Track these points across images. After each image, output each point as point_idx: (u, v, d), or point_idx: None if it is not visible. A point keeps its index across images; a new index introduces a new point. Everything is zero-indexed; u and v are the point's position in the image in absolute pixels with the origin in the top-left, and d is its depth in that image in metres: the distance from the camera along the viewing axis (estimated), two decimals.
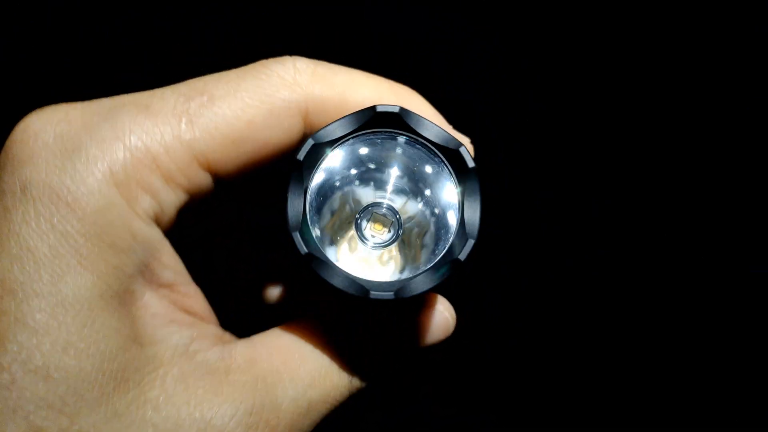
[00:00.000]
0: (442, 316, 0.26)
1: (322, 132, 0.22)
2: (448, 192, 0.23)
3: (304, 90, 0.24)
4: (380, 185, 0.24)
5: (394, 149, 0.23)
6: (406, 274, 0.23)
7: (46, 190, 0.21)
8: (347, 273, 0.22)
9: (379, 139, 0.23)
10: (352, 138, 0.23)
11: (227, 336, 0.25)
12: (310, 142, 0.22)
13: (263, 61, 0.24)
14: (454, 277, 0.22)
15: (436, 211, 0.24)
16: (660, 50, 0.61)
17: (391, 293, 0.21)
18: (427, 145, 0.23)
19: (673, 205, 0.61)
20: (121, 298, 0.22)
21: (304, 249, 0.21)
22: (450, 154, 0.23)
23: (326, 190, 0.23)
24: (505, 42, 0.62)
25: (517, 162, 0.61)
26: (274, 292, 0.32)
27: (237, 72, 0.24)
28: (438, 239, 0.23)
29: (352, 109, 0.23)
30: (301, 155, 0.22)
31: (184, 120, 0.22)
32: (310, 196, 0.22)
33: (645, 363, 0.60)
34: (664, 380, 0.59)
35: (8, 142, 0.22)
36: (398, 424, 0.58)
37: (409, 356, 0.26)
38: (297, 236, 0.21)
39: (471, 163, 0.22)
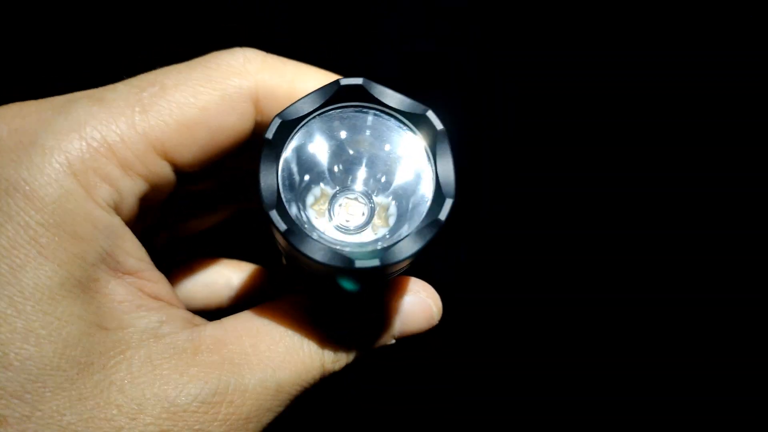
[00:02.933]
0: (424, 304, 0.26)
1: (289, 110, 0.22)
2: (419, 160, 0.23)
3: (254, 77, 0.24)
4: (350, 161, 0.24)
5: (363, 123, 0.23)
6: (383, 243, 0.23)
7: (2, 182, 0.21)
8: (329, 245, 0.21)
9: (345, 114, 0.23)
10: (320, 114, 0.23)
11: (197, 319, 0.25)
12: (277, 121, 0.22)
13: (213, 53, 0.25)
14: (436, 239, 0.22)
15: (409, 180, 0.24)
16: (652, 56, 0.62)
17: (377, 261, 0.21)
18: (393, 115, 0.23)
19: (666, 210, 0.61)
20: (84, 285, 0.21)
21: (283, 226, 0.21)
22: (417, 120, 0.23)
23: (297, 167, 0.23)
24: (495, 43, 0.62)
25: (514, 160, 0.62)
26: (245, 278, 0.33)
27: (187, 63, 0.24)
28: (413, 208, 0.23)
29: (300, 96, 0.23)
30: (269, 134, 0.22)
31: (137, 109, 0.23)
32: (282, 173, 0.22)
33: (642, 362, 0.60)
34: (661, 378, 0.59)
35: None
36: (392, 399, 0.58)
37: (385, 343, 0.26)
38: (274, 214, 0.21)
39: (439, 125, 0.23)
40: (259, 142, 0.22)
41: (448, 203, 0.22)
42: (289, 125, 0.22)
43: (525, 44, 0.62)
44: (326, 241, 0.22)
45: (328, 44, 0.60)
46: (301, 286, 0.26)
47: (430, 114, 0.23)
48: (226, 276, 0.32)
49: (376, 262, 0.21)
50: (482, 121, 0.61)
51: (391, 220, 0.24)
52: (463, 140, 0.54)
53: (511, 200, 0.62)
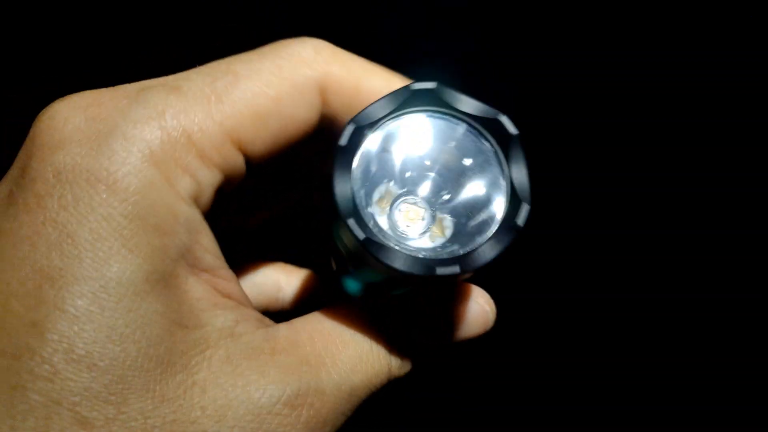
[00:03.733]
0: (482, 309, 0.26)
1: (361, 115, 0.22)
2: (491, 167, 0.23)
3: (323, 68, 0.24)
4: (421, 168, 0.24)
5: (448, 133, 0.23)
6: (447, 249, 0.23)
7: (83, 172, 0.20)
8: (407, 252, 0.21)
9: (416, 117, 0.23)
10: (391, 119, 0.23)
11: (267, 320, 0.25)
12: (351, 126, 0.21)
13: (283, 41, 0.24)
14: (514, 244, 0.22)
15: (477, 194, 0.23)
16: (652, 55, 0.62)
17: (457, 267, 0.21)
18: (466, 120, 0.23)
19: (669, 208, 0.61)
20: (166, 281, 0.21)
21: (361, 234, 0.21)
22: (490, 125, 0.23)
23: (369, 173, 0.23)
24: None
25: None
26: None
27: (257, 52, 0.24)
28: (477, 219, 0.23)
29: (365, 95, 0.23)
30: (343, 140, 0.21)
31: (213, 99, 0.22)
32: (354, 177, 0.22)
33: (656, 364, 0.60)
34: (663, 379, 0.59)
35: (34, 130, 0.21)
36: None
37: (448, 347, 0.26)
38: (352, 222, 0.21)
39: (513, 130, 0.22)
40: (332, 148, 0.22)
41: (525, 209, 0.22)
42: (361, 130, 0.22)
43: (525, 44, 0.62)
44: (405, 248, 0.22)
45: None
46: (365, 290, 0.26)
47: (503, 118, 0.22)
48: (283, 280, 0.32)
49: (456, 269, 0.21)
50: None
51: (448, 232, 0.23)
52: None
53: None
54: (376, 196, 0.23)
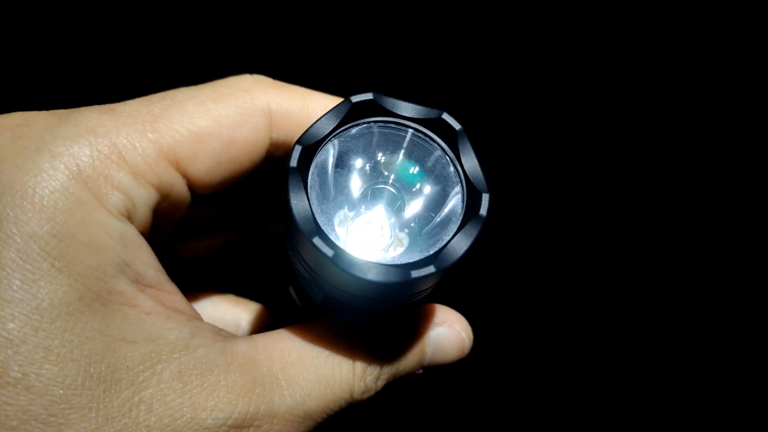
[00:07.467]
0: (458, 335, 0.26)
1: (306, 135, 0.22)
2: (441, 165, 0.23)
3: (265, 95, 0.24)
4: (372, 178, 0.24)
5: (378, 137, 0.24)
6: (413, 254, 0.23)
7: (8, 190, 0.19)
8: (378, 262, 0.21)
9: (362, 129, 0.23)
10: (338, 134, 0.23)
11: (225, 332, 0.24)
12: (298, 148, 0.22)
13: (221, 79, 0.24)
14: (480, 234, 0.22)
15: (432, 188, 0.24)
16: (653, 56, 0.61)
17: (431, 267, 0.21)
18: (409, 125, 0.23)
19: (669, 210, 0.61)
20: (105, 299, 0.20)
21: (329, 251, 0.20)
22: (434, 125, 0.23)
23: (324, 189, 0.23)
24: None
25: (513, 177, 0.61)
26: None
27: (196, 86, 0.24)
28: (440, 213, 0.23)
29: (314, 115, 0.23)
30: (292, 161, 0.21)
31: (149, 118, 0.22)
32: (313, 199, 0.22)
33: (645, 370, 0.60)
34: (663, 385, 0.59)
35: None
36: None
37: (416, 374, 0.26)
38: (318, 241, 0.20)
39: (457, 125, 0.23)
40: (284, 171, 0.21)
41: (485, 198, 0.22)
42: (309, 150, 0.22)
43: (525, 47, 0.62)
44: (374, 259, 0.22)
45: (328, 43, 0.60)
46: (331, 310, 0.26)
47: (446, 116, 0.23)
48: (234, 313, 0.31)
49: (431, 269, 0.21)
50: (483, 123, 0.61)
51: (405, 242, 0.24)
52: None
53: (509, 208, 0.61)
54: (337, 219, 0.23)
